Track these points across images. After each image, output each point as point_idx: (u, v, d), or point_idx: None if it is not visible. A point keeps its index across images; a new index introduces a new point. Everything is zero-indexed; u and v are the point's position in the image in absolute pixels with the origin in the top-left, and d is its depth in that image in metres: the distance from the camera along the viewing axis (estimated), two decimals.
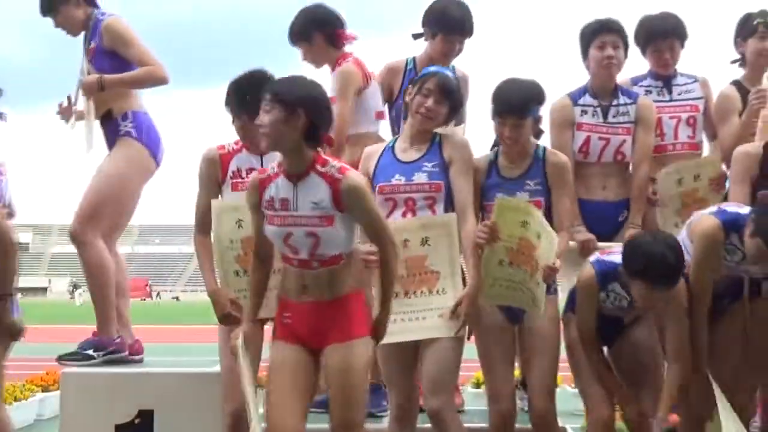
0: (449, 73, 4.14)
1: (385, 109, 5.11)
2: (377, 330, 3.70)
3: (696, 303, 4.05)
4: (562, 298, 4.30)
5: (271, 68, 4.18)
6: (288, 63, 5.31)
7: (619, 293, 4.03)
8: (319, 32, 4.88)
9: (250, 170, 4.13)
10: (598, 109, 4.83)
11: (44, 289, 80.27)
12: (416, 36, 5.09)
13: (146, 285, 75.27)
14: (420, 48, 5.08)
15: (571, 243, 4.32)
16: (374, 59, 5.13)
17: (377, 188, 4.03)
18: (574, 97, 4.88)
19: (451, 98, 4.03)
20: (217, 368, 4.57)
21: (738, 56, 5.21)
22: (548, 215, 4.03)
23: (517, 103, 4.02)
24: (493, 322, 4.09)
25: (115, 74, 4.96)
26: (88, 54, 5.07)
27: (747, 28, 5.11)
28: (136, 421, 4.53)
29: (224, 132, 4.46)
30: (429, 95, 4.00)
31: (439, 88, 4.00)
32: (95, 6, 5.15)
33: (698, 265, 4.00)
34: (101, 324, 4.98)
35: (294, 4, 5.17)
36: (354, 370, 3.60)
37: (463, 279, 4.01)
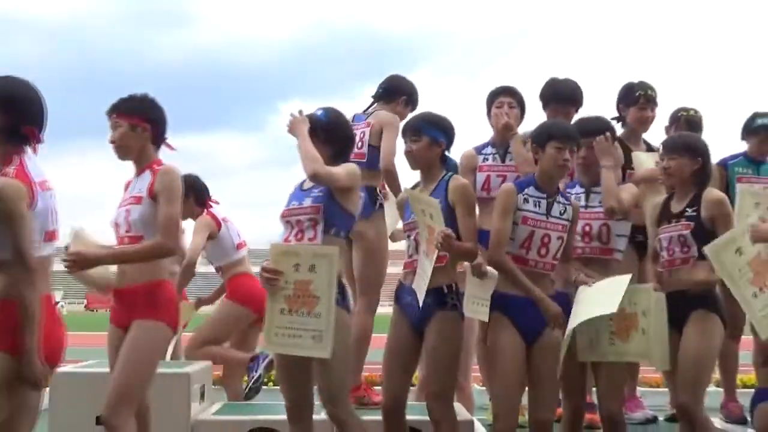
0: (315, 113, 4.46)
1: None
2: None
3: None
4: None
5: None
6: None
7: (536, 195, 4.51)
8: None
9: None
10: (497, 155, 5.67)
11: None
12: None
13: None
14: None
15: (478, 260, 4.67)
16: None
17: (280, 213, 4.39)
18: (478, 149, 5.79)
19: (313, 134, 4.34)
20: (186, 369, 5.25)
21: (617, 115, 5.99)
22: (456, 232, 4.31)
23: (411, 121, 4.69)
24: (402, 331, 4.49)
25: None
26: None
27: (629, 97, 5.94)
28: None
29: None
30: None
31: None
32: None
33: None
34: None
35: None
36: None
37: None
